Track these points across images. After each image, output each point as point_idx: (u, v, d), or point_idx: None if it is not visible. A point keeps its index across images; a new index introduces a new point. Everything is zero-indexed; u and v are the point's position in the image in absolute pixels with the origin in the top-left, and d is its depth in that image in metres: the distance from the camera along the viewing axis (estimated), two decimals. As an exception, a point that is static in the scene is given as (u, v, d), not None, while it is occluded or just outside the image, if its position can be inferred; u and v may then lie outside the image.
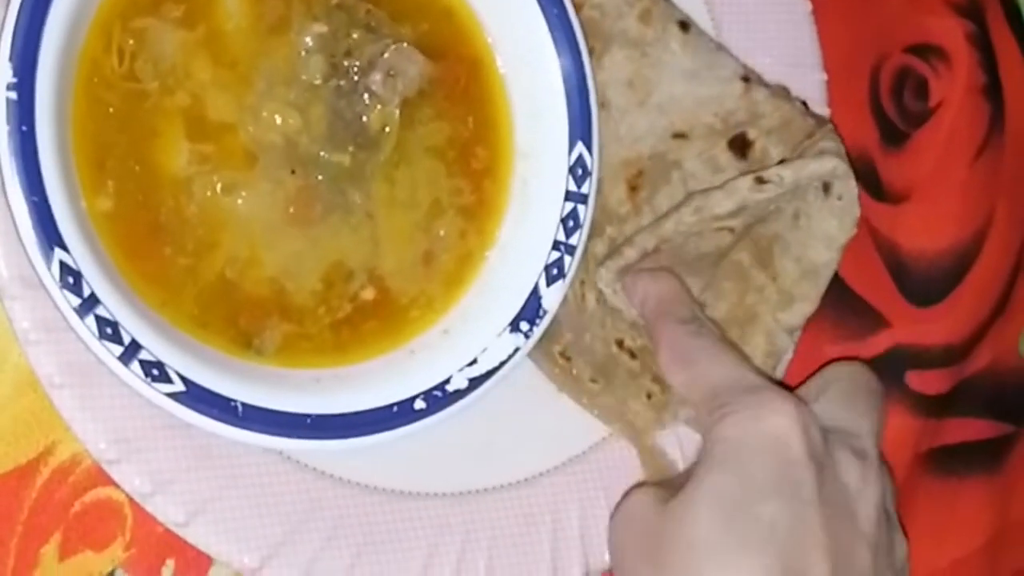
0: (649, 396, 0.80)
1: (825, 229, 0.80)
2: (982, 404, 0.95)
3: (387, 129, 0.73)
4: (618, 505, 0.76)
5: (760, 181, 0.77)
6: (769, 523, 0.67)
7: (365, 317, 0.75)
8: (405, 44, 0.74)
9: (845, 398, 0.76)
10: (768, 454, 0.69)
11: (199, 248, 0.70)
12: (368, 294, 0.74)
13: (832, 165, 0.77)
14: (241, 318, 0.71)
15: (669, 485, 0.74)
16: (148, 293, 0.69)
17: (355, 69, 0.73)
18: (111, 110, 0.68)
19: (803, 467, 0.69)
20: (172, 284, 0.70)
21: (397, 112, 0.74)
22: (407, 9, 0.76)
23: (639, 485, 0.78)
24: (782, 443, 0.69)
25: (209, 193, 0.70)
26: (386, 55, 0.73)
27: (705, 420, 0.72)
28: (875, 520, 0.71)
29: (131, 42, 0.69)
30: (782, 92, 0.84)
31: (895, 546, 0.73)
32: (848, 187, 0.78)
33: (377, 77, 0.73)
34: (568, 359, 0.79)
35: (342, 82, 0.73)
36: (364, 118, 0.73)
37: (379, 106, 0.73)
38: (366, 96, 0.73)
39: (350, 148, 0.73)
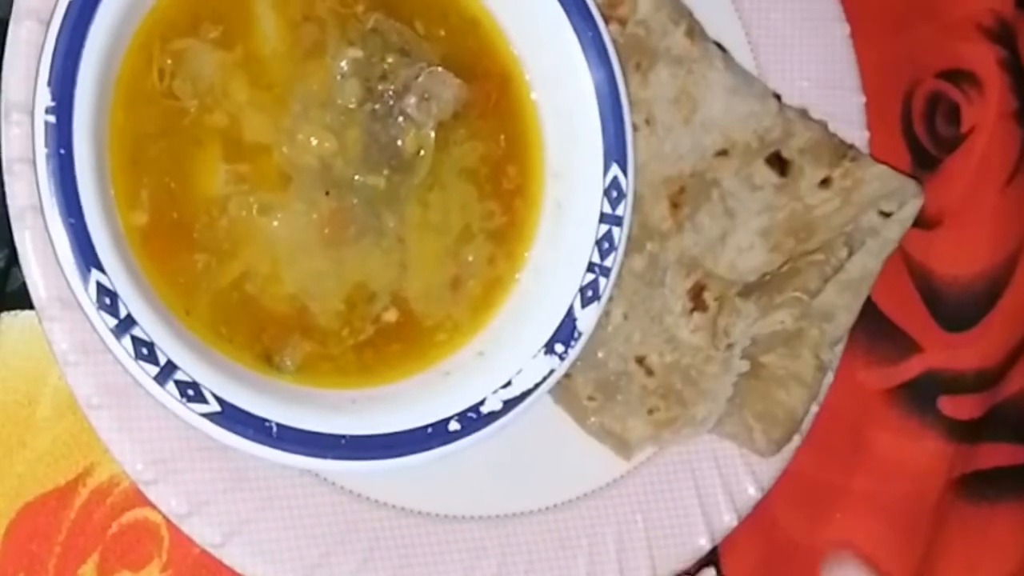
0: (651, 412, 0.80)
1: (869, 243, 0.80)
2: (1015, 429, 0.94)
3: (422, 152, 0.74)
4: None
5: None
6: None
7: (389, 340, 0.75)
8: (439, 68, 0.74)
9: None
10: None
11: (230, 265, 0.71)
12: (391, 316, 0.74)
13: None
14: (265, 335, 0.72)
15: None
16: (176, 305, 0.69)
17: (390, 93, 0.73)
18: (149, 127, 0.69)
19: None
20: (201, 298, 0.70)
21: (432, 135, 0.74)
22: (432, 18, 0.76)
23: None
24: None
25: (244, 212, 0.71)
26: (421, 79, 0.74)
27: None
28: None
29: (170, 62, 0.70)
30: (805, 112, 0.85)
31: None
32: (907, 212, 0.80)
33: (412, 101, 0.73)
34: (568, 375, 0.78)
35: (377, 106, 0.73)
36: (399, 141, 0.74)
37: (414, 129, 0.74)
38: (401, 120, 0.73)
39: (385, 171, 0.73)
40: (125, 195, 0.68)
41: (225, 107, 0.71)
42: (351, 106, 0.73)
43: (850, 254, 0.81)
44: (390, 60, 0.74)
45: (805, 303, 0.80)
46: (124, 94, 0.68)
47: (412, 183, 0.75)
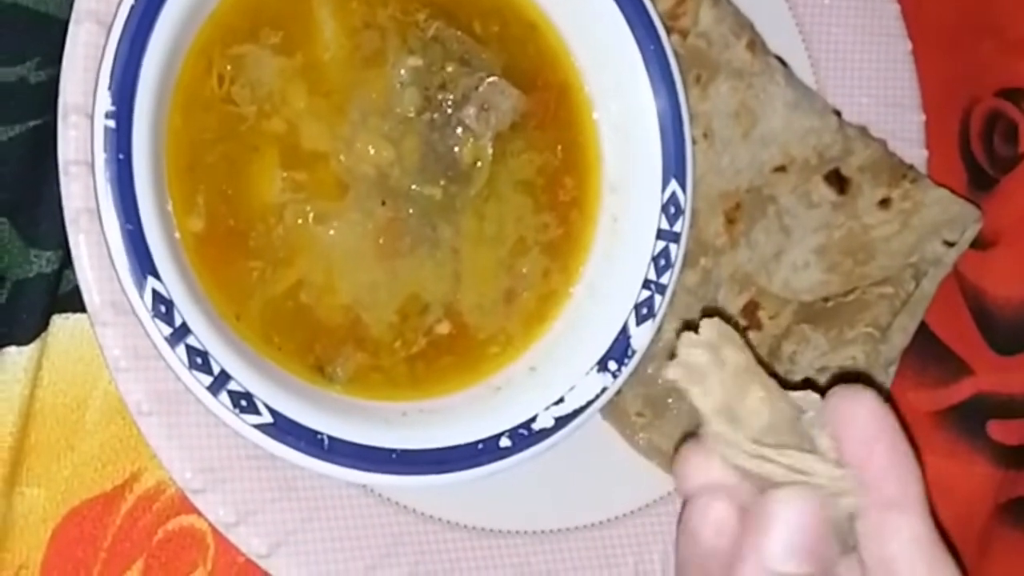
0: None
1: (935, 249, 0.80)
2: (1063, 456, 0.93)
3: (479, 164, 0.73)
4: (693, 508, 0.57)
5: None
6: None
7: (440, 352, 0.74)
8: (498, 78, 0.73)
9: None
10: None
11: (285, 273, 0.70)
12: (443, 328, 0.74)
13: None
14: (317, 344, 0.71)
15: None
16: (228, 312, 0.69)
17: (449, 102, 0.73)
18: (207, 133, 0.69)
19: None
20: (253, 306, 0.70)
21: (490, 147, 0.73)
22: (493, 26, 0.76)
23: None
24: None
25: (300, 221, 0.70)
26: (480, 89, 0.73)
27: None
28: None
29: (229, 68, 0.69)
30: (865, 130, 0.84)
31: None
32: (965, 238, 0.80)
33: (471, 111, 0.72)
34: (618, 391, 0.77)
35: (435, 115, 0.73)
36: (456, 151, 0.73)
37: (472, 140, 0.73)
38: (459, 130, 0.73)
39: (441, 182, 0.73)
40: (182, 200, 0.68)
41: (283, 114, 0.70)
42: (410, 115, 0.72)
43: (917, 285, 0.80)
44: (450, 69, 0.73)
45: (877, 339, 0.79)
46: (183, 99, 0.68)
47: (468, 194, 0.74)
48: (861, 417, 0.55)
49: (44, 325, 0.70)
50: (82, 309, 0.68)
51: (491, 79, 0.73)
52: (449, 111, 0.73)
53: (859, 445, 0.55)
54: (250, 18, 0.69)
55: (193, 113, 0.68)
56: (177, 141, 0.68)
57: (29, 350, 0.70)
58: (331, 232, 0.70)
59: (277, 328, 0.70)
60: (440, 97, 0.73)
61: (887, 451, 0.55)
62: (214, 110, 0.68)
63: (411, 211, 0.72)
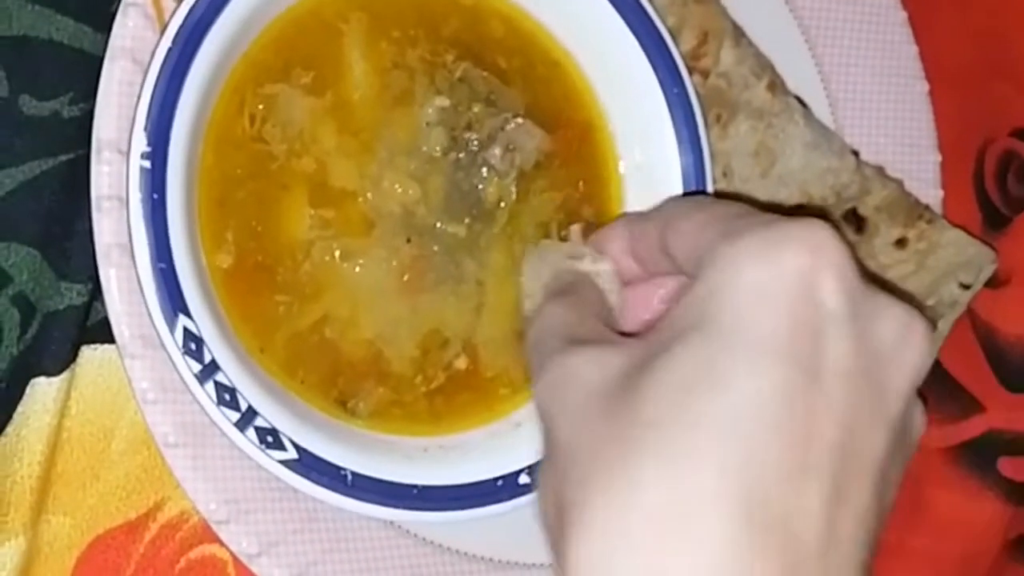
0: None
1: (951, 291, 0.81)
2: (1073, 494, 0.94)
3: (503, 204, 0.74)
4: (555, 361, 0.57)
5: None
6: (760, 400, 0.49)
7: (458, 388, 0.75)
8: (524, 119, 0.74)
9: None
10: (783, 301, 0.50)
11: (311, 308, 0.71)
12: (461, 363, 0.75)
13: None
14: (340, 378, 0.72)
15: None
16: (252, 345, 0.70)
17: (474, 142, 0.74)
18: (238, 170, 0.69)
19: (833, 321, 0.51)
20: (278, 340, 0.71)
21: (513, 187, 0.74)
22: (518, 65, 0.77)
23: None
24: (807, 285, 0.51)
25: (327, 257, 0.71)
26: (506, 129, 0.74)
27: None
28: (905, 396, 0.53)
29: (261, 107, 0.70)
30: (882, 170, 0.85)
31: (913, 424, 0.57)
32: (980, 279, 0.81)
33: (496, 151, 0.73)
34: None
35: (461, 155, 0.73)
36: (481, 190, 0.74)
37: (496, 179, 0.74)
38: (484, 170, 0.74)
39: (466, 220, 0.74)
40: (211, 236, 0.69)
41: (313, 152, 0.71)
42: (436, 154, 0.73)
43: (935, 328, 0.81)
44: (476, 109, 0.74)
45: None
46: (215, 137, 0.69)
47: (492, 232, 0.75)
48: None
49: (73, 357, 0.71)
50: (110, 340, 0.69)
51: (517, 120, 0.74)
52: (475, 151, 0.74)
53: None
54: (283, 58, 0.70)
55: (224, 151, 0.69)
56: (208, 178, 0.68)
57: (58, 381, 0.71)
58: (357, 268, 0.71)
59: (301, 362, 0.71)
60: (466, 137, 0.74)
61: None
62: (245, 148, 0.69)
63: (435, 248, 0.73)
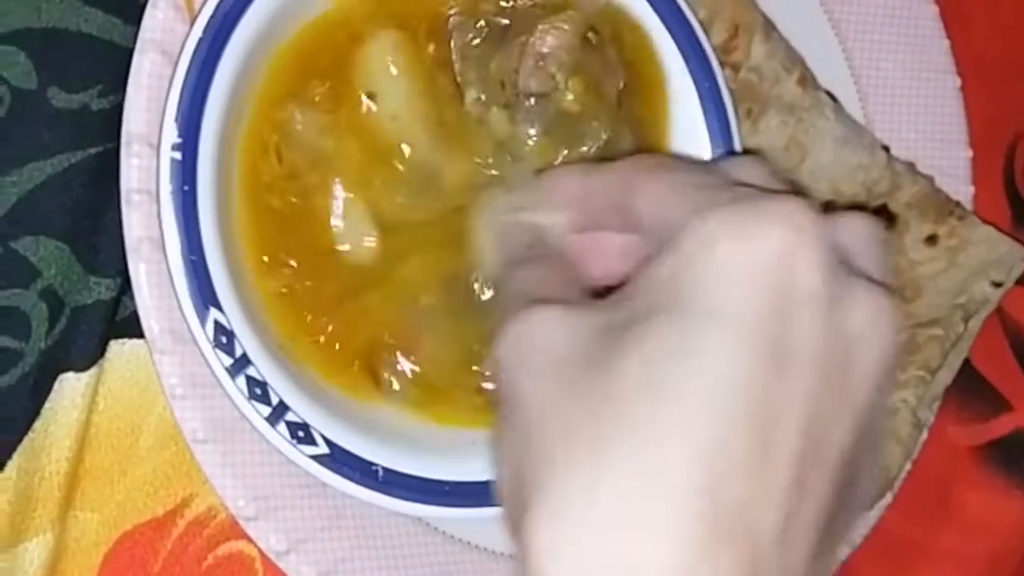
0: None
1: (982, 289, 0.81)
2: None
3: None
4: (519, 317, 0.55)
5: None
6: (731, 383, 0.48)
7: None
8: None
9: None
10: (757, 282, 0.49)
11: (350, 306, 0.70)
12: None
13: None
14: (376, 360, 0.71)
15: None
16: (289, 335, 0.69)
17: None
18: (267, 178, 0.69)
19: (806, 303, 0.49)
20: (316, 332, 0.70)
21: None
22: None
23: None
24: (782, 266, 0.49)
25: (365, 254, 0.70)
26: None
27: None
28: (873, 382, 0.51)
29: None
30: (913, 166, 0.84)
31: (880, 413, 0.54)
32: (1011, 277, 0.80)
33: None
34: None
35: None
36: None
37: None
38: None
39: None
40: (247, 233, 0.68)
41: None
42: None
43: (966, 327, 0.80)
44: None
45: (928, 381, 0.79)
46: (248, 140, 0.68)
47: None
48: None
49: (101, 351, 0.70)
50: (138, 335, 0.68)
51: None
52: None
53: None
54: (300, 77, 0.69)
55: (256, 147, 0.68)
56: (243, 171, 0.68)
57: (86, 376, 0.70)
58: (395, 263, 0.70)
59: (339, 345, 0.70)
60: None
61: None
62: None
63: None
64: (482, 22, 0.73)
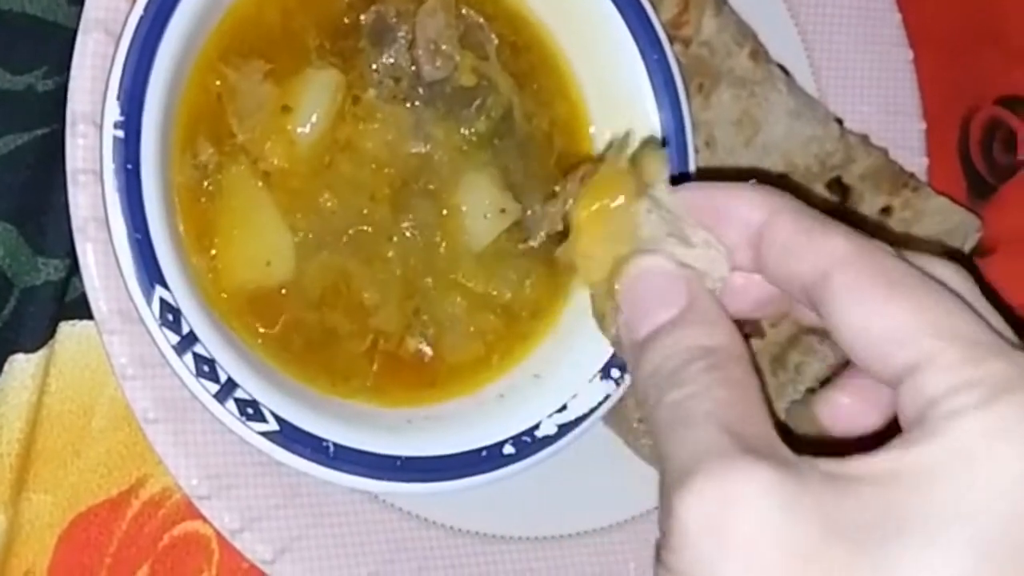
0: None
1: None
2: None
3: None
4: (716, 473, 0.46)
5: None
6: None
7: (444, 358, 0.75)
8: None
9: None
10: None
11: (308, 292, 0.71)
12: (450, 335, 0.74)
13: None
14: (330, 352, 0.72)
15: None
16: (248, 327, 0.70)
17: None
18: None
19: None
20: (276, 320, 0.71)
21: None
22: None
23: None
24: None
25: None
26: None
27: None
28: None
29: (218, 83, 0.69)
30: (867, 138, 0.85)
31: None
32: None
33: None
34: (621, 398, 0.78)
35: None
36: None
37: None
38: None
39: (443, 211, 0.74)
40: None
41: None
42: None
43: None
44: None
45: None
46: (187, 111, 0.68)
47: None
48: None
49: (51, 332, 0.71)
50: (89, 316, 0.68)
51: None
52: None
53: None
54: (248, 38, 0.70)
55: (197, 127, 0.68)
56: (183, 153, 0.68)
57: (36, 357, 0.70)
58: (345, 240, 0.70)
59: (292, 337, 0.71)
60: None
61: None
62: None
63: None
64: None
